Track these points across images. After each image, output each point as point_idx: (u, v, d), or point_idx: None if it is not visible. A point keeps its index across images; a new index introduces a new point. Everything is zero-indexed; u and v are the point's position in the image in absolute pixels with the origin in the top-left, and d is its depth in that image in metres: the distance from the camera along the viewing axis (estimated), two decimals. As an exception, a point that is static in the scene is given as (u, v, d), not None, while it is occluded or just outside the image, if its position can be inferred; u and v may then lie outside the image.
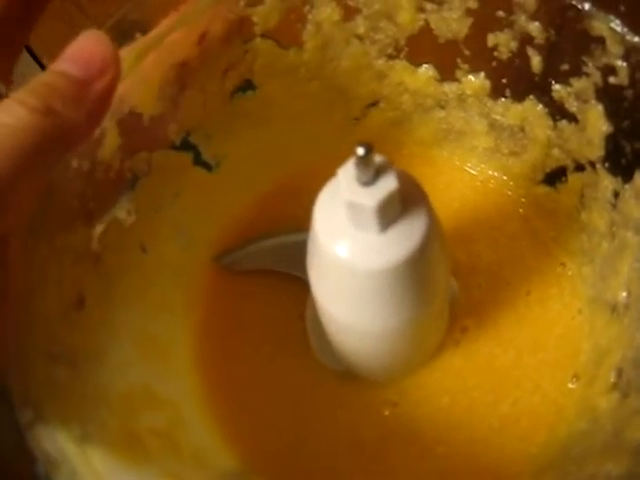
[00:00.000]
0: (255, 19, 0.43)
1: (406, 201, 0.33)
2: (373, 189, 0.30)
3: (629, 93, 0.39)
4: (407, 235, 0.33)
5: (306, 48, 0.46)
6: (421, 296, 0.37)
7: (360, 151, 0.29)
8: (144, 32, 0.40)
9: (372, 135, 0.51)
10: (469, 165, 0.51)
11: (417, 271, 0.34)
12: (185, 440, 0.42)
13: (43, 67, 1.00)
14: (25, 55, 0.97)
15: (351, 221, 0.32)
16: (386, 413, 0.45)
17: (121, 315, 0.42)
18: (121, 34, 0.39)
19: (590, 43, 0.39)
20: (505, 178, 0.50)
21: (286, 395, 0.46)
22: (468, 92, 0.47)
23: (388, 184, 0.30)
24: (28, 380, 0.33)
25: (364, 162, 0.29)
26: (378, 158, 0.30)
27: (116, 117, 0.40)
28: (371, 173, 0.30)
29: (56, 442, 0.32)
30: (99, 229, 0.41)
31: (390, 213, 0.32)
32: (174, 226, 0.46)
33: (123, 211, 0.43)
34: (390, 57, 0.47)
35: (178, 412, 0.43)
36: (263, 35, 0.44)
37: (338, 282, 0.36)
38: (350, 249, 0.33)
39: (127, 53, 0.39)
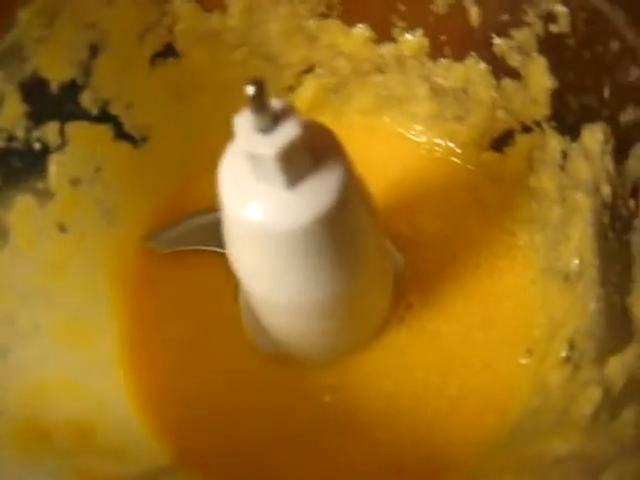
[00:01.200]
0: (171, -25, 0.40)
1: (318, 154, 0.30)
2: (272, 136, 0.27)
3: (571, 42, 0.36)
4: (320, 191, 0.30)
5: (231, 13, 0.43)
6: (345, 264, 0.34)
7: (250, 90, 0.25)
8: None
9: (308, 104, 0.47)
10: (413, 133, 0.48)
11: (335, 233, 0.31)
12: (109, 433, 0.38)
13: None
14: None
15: (255, 177, 0.29)
16: (325, 399, 0.42)
17: (36, 302, 0.38)
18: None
19: (529, -11, 0.36)
20: (451, 145, 0.47)
21: (219, 382, 0.43)
22: (406, 53, 0.44)
23: (290, 130, 0.27)
24: None
25: (257, 104, 0.26)
26: (276, 102, 0.27)
27: (16, 80, 0.37)
28: (268, 118, 0.27)
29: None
30: (5, 204, 0.38)
31: (297, 165, 0.29)
32: (96, 204, 0.43)
33: (35, 185, 0.39)
34: (322, 16, 0.44)
35: (102, 404, 0.40)
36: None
37: (250, 248, 0.32)
38: (257, 208, 0.30)
39: (24, 11, 0.36)
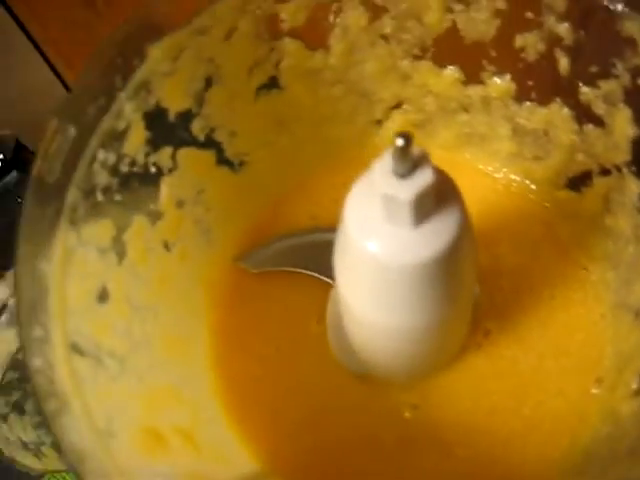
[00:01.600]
0: (283, 16, 0.43)
1: (440, 197, 0.32)
2: (409, 182, 0.30)
3: (658, 95, 0.39)
4: (440, 232, 0.33)
5: (333, 52, 0.46)
6: (448, 295, 0.36)
7: (399, 142, 0.28)
8: (173, 28, 0.40)
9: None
10: (491, 169, 0.51)
11: (447, 269, 0.34)
12: (205, 440, 0.41)
13: (58, 74, 1.01)
14: (42, 64, 0.97)
15: (384, 215, 0.32)
16: (406, 415, 0.44)
17: (146, 314, 0.41)
18: (150, 28, 0.39)
19: (621, 44, 0.39)
20: (528, 182, 0.50)
21: (305, 397, 0.46)
22: (493, 95, 0.47)
23: (425, 178, 0.30)
24: (53, 371, 0.32)
25: (402, 153, 0.29)
26: (416, 150, 0.30)
27: (142, 110, 0.40)
28: (408, 165, 0.30)
29: (80, 433, 0.32)
30: (124, 223, 0.41)
31: (424, 208, 0.32)
32: (197, 224, 0.46)
33: (148, 206, 0.42)
34: (415, 58, 0.47)
35: (199, 412, 0.43)
36: (291, 35, 0.44)
37: (367, 278, 0.35)
38: (381, 243, 0.33)
39: (156, 48, 0.39)
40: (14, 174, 0.93)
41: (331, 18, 0.44)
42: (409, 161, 0.29)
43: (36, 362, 0.32)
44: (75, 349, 0.35)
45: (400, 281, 0.34)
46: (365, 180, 0.34)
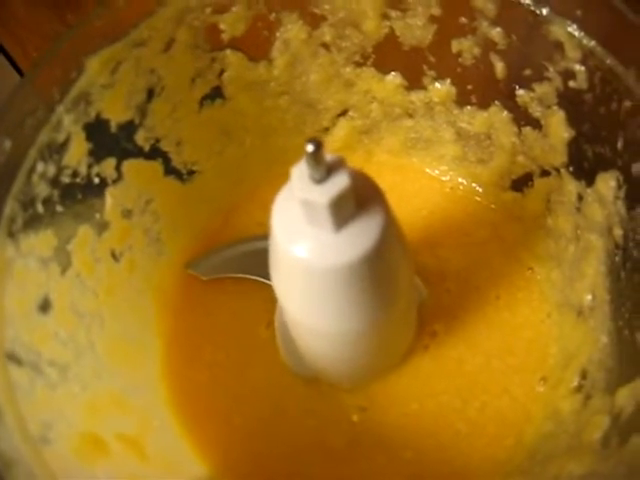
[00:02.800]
0: (222, 26, 0.44)
1: (361, 200, 0.33)
2: (325, 186, 0.31)
3: (588, 97, 0.39)
4: (363, 233, 0.33)
5: (276, 64, 0.47)
6: (381, 297, 0.37)
7: (310, 147, 0.29)
8: (110, 40, 0.40)
9: (341, 144, 0.51)
10: (438, 172, 0.51)
11: (374, 270, 0.35)
12: (154, 446, 0.42)
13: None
14: (9, 69, 0.98)
15: (306, 220, 0.33)
16: (354, 418, 0.45)
17: (91, 322, 0.42)
18: (87, 41, 0.40)
19: (550, 48, 0.40)
20: (474, 185, 0.50)
21: (255, 402, 0.46)
22: (435, 100, 0.47)
23: (340, 181, 0.31)
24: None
25: (315, 159, 0.30)
26: (330, 156, 0.31)
27: (82, 122, 0.41)
28: (323, 170, 0.30)
29: (12, 442, 0.32)
30: (68, 234, 0.41)
31: (344, 211, 0.32)
32: (145, 233, 0.46)
33: (93, 216, 0.43)
34: (357, 64, 0.47)
35: (147, 419, 0.44)
36: (232, 47, 0.44)
37: (297, 282, 0.36)
38: (306, 248, 0.33)
39: (94, 61, 0.40)
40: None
41: (271, 30, 0.44)
42: (323, 166, 0.30)
43: (-34, 370, 0.32)
44: (11, 358, 0.35)
45: (327, 284, 0.34)
46: (287, 186, 0.34)
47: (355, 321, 0.37)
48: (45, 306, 0.39)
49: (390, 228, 0.34)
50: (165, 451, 0.43)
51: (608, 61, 0.37)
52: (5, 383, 0.34)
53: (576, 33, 0.38)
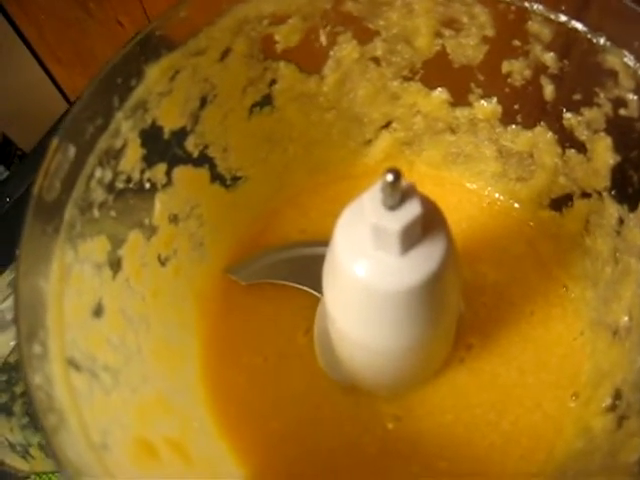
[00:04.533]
0: (277, 37, 0.44)
1: (427, 226, 0.34)
2: (398, 213, 0.32)
3: (638, 125, 0.40)
4: (425, 259, 0.34)
5: (326, 82, 0.48)
6: (433, 317, 0.38)
7: (389, 177, 0.30)
8: (170, 48, 0.41)
9: (384, 155, 0.52)
10: (476, 187, 0.52)
11: (432, 294, 0.35)
12: (195, 449, 0.42)
13: (47, 70, 1.01)
14: (31, 60, 0.98)
15: (373, 242, 0.33)
16: (390, 427, 0.46)
17: (139, 326, 0.42)
18: (148, 50, 0.40)
19: (603, 75, 0.40)
20: (512, 201, 0.51)
21: (292, 406, 0.47)
22: (479, 117, 0.48)
23: (413, 209, 0.32)
24: (52, 387, 0.33)
25: (392, 187, 0.30)
26: (404, 183, 0.31)
27: (138, 128, 0.41)
28: (397, 198, 0.31)
29: (77, 449, 0.33)
30: (120, 239, 0.42)
31: (411, 237, 0.33)
32: (190, 238, 0.47)
33: (143, 221, 0.43)
34: (405, 79, 0.48)
35: (188, 422, 0.44)
36: (285, 58, 0.45)
37: (355, 301, 0.37)
38: (369, 270, 0.34)
39: (154, 69, 0.40)
40: (0, 169, 0.94)
41: (324, 42, 0.45)
42: (398, 194, 0.31)
43: (36, 379, 0.33)
44: (72, 364, 0.36)
45: (386, 305, 0.35)
46: (356, 206, 0.35)
47: (406, 339, 0.38)
48: (99, 311, 0.40)
49: (450, 254, 0.35)
50: (206, 454, 0.44)
51: (663, 93, 0.38)
52: (68, 389, 0.34)
53: (631, 63, 0.39)
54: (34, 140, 0.95)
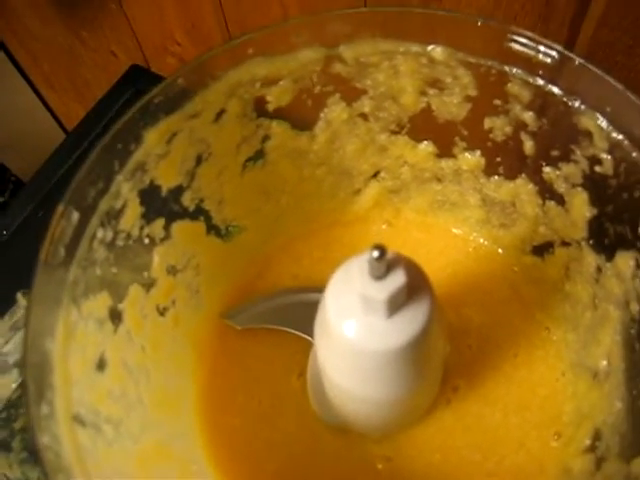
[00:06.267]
0: (269, 98, 0.46)
1: (411, 290, 0.36)
2: (384, 283, 0.34)
3: (613, 182, 0.42)
4: (410, 320, 0.36)
5: (317, 140, 0.50)
6: (420, 371, 0.40)
7: (375, 254, 0.32)
8: (167, 112, 0.43)
9: (372, 203, 0.54)
10: (462, 233, 0.54)
11: (418, 351, 0.38)
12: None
13: (41, 97, 1.03)
14: (24, 85, 0.99)
15: (361, 308, 0.36)
16: (380, 467, 0.48)
17: (139, 376, 0.44)
18: (148, 115, 0.42)
19: (578, 135, 0.42)
20: (496, 247, 0.53)
21: (285, 448, 0.49)
22: (464, 167, 0.50)
23: (398, 279, 0.34)
24: (60, 445, 0.35)
25: (378, 261, 0.33)
26: (389, 255, 0.34)
27: (137, 189, 0.43)
28: (383, 269, 0.33)
29: (85, 504, 0.35)
30: (121, 294, 0.44)
31: (397, 302, 0.35)
32: (187, 287, 0.49)
33: (142, 275, 0.45)
34: (392, 133, 0.50)
35: (187, 466, 0.46)
36: (278, 117, 0.47)
37: (344, 357, 0.39)
38: (358, 331, 0.36)
39: (152, 133, 0.42)
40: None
41: (316, 104, 0.47)
42: (384, 266, 0.33)
43: (44, 439, 0.34)
44: (77, 420, 0.37)
45: (374, 363, 0.37)
46: (344, 271, 0.37)
47: (394, 392, 0.40)
48: (101, 365, 0.41)
49: (434, 311, 0.37)
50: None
51: (634, 154, 0.40)
52: (74, 446, 0.36)
53: (604, 126, 0.41)
54: (28, 166, 0.96)
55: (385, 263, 0.33)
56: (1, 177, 1.11)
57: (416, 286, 0.36)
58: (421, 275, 0.37)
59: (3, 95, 1.06)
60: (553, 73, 0.42)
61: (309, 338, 0.50)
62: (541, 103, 0.44)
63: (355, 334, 0.36)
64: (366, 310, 0.36)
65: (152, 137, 0.42)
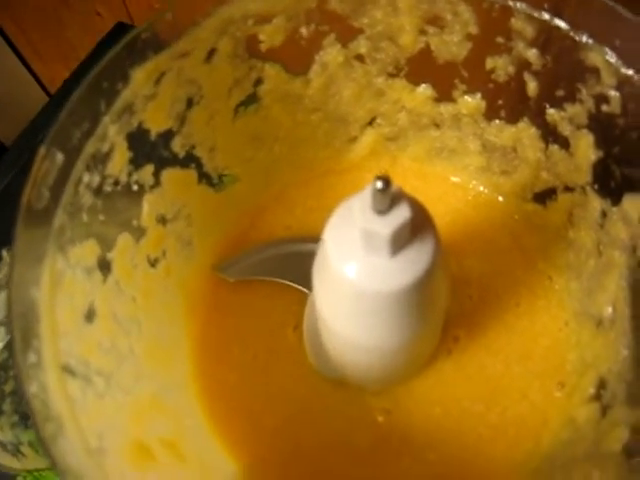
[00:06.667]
0: (262, 37, 0.44)
1: (415, 228, 0.34)
2: (388, 218, 0.32)
3: (620, 121, 0.41)
4: (414, 261, 0.35)
5: (312, 85, 0.48)
6: (423, 316, 0.38)
7: (379, 184, 0.30)
8: (156, 51, 0.41)
9: (368, 150, 0.52)
10: (461, 181, 0.53)
11: (422, 294, 0.36)
12: (189, 447, 0.43)
13: (25, 62, 1.00)
14: (6, 49, 0.97)
15: (363, 246, 0.34)
16: (380, 420, 0.47)
17: (130, 327, 0.42)
18: (135, 53, 0.40)
19: (585, 72, 0.41)
20: (496, 195, 0.52)
21: (282, 402, 0.48)
22: (463, 112, 0.48)
23: (402, 213, 0.32)
24: (47, 395, 0.34)
25: (382, 194, 0.31)
26: (393, 188, 0.32)
27: (125, 132, 0.41)
28: (387, 203, 0.32)
29: (76, 455, 0.33)
30: (109, 242, 0.42)
31: (401, 240, 0.33)
32: (178, 238, 0.47)
33: (131, 224, 0.43)
34: (390, 75, 0.48)
35: (181, 420, 0.45)
36: (271, 59, 0.45)
37: (345, 301, 0.37)
38: (360, 272, 0.35)
39: (139, 72, 0.40)
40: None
41: (310, 46, 0.45)
42: (387, 199, 0.31)
43: (32, 388, 0.33)
44: (67, 371, 0.36)
45: (376, 306, 0.36)
46: (344, 209, 0.35)
47: (396, 338, 0.39)
48: (90, 315, 0.40)
49: (438, 254, 0.36)
50: (200, 451, 0.45)
51: (644, 90, 0.39)
52: (64, 396, 0.35)
53: (613, 61, 0.39)
54: (12, 131, 0.94)
55: (389, 196, 0.31)
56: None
57: (420, 225, 0.35)
58: (425, 213, 0.36)
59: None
60: (559, 6, 0.40)
61: (304, 289, 0.48)
62: (546, 39, 0.42)
63: (356, 275, 0.35)
64: (368, 249, 0.34)
65: (140, 76, 0.40)
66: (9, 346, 0.51)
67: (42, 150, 0.37)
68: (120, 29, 0.82)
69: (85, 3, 0.89)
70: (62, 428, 0.33)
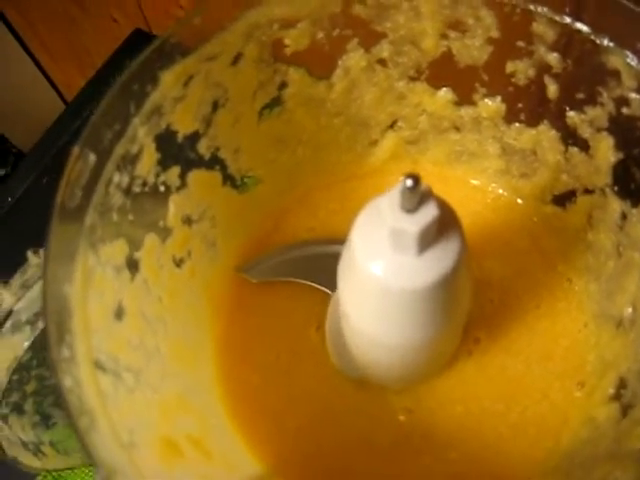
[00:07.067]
0: (287, 41, 0.45)
1: (442, 227, 0.35)
2: (416, 216, 0.33)
3: (640, 124, 0.41)
4: (440, 259, 0.35)
5: (335, 89, 0.49)
6: (447, 314, 0.39)
7: (409, 182, 0.31)
8: (183, 54, 0.41)
9: (389, 154, 0.53)
10: (480, 184, 0.53)
11: (446, 292, 0.37)
12: (215, 446, 0.44)
13: (41, 67, 1.02)
14: (24, 57, 0.98)
15: (390, 243, 0.35)
16: (401, 419, 0.47)
17: (157, 326, 0.43)
18: (163, 56, 0.41)
19: (605, 75, 0.41)
20: (515, 197, 0.52)
21: (305, 402, 0.48)
22: (484, 115, 0.49)
23: (430, 212, 0.33)
24: (81, 389, 0.34)
25: (410, 192, 0.32)
26: (422, 186, 0.32)
27: (153, 133, 0.42)
28: (415, 201, 0.32)
29: (109, 448, 0.34)
30: (137, 242, 0.43)
31: (428, 238, 0.34)
32: (203, 239, 0.48)
33: (157, 224, 0.44)
34: (411, 79, 0.49)
35: (206, 419, 0.45)
36: (295, 62, 0.46)
37: (371, 299, 0.38)
38: (386, 269, 0.35)
39: (168, 75, 0.41)
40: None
41: (334, 50, 0.46)
42: (416, 198, 0.32)
43: (67, 382, 0.33)
44: (98, 366, 0.37)
45: (401, 303, 0.36)
46: (372, 208, 0.36)
47: (419, 336, 0.39)
48: (120, 313, 0.40)
49: (464, 253, 0.36)
50: (225, 450, 0.45)
51: (666, 93, 0.39)
52: (96, 391, 0.35)
53: (634, 64, 0.40)
54: (29, 137, 0.95)
55: (418, 194, 0.32)
56: (2, 148, 1.10)
57: (446, 223, 0.35)
58: (451, 213, 0.36)
59: (3, 67, 1.04)
60: (579, 9, 0.40)
61: (327, 290, 0.49)
62: (567, 42, 0.43)
63: (383, 272, 0.35)
64: (396, 247, 0.35)
65: (168, 79, 0.41)
66: (34, 346, 0.52)
67: (75, 150, 0.38)
68: (137, 38, 0.83)
69: (100, 8, 0.90)
70: (95, 422, 0.34)
